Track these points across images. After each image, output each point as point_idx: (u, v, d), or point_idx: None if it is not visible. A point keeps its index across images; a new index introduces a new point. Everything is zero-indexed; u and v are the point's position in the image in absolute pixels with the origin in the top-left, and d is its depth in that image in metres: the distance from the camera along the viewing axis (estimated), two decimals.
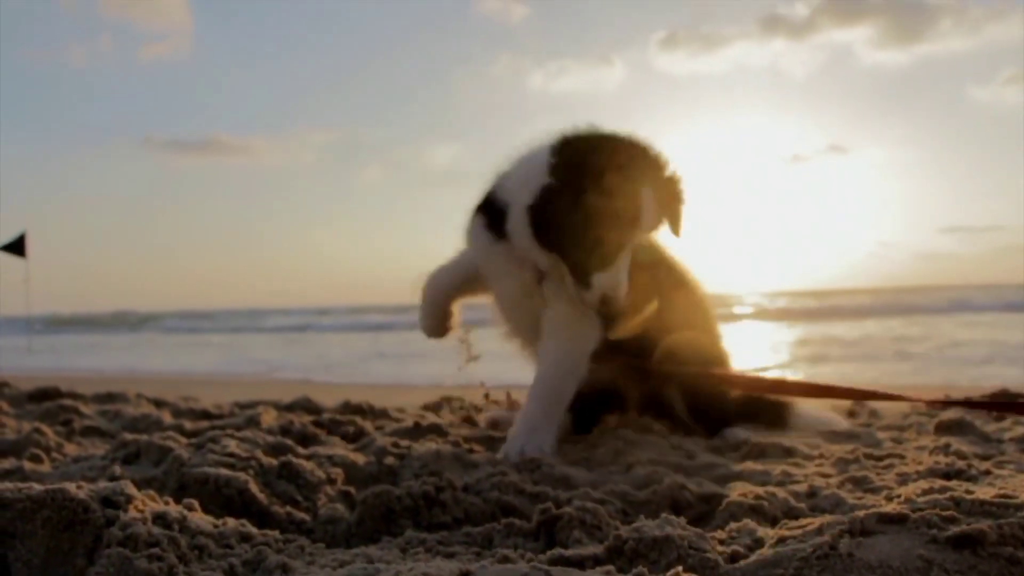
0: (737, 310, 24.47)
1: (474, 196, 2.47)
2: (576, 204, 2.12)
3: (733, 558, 1.27)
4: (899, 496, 1.54)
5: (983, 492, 1.39)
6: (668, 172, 2.25)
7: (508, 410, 3.01)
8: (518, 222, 2.24)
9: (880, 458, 2.20)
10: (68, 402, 3.17)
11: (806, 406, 2.90)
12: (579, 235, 2.14)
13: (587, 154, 2.16)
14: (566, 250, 2.19)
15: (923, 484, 1.58)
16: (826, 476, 1.97)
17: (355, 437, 2.60)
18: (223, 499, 1.70)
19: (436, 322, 2.63)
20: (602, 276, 2.15)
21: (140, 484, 1.64)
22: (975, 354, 8.32)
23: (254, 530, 1.48)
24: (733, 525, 1.45)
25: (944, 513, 1.25)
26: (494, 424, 2.83)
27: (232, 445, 2.04)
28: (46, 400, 3.39)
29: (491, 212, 2.37)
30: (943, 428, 2.57)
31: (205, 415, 3.22)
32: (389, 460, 2.09)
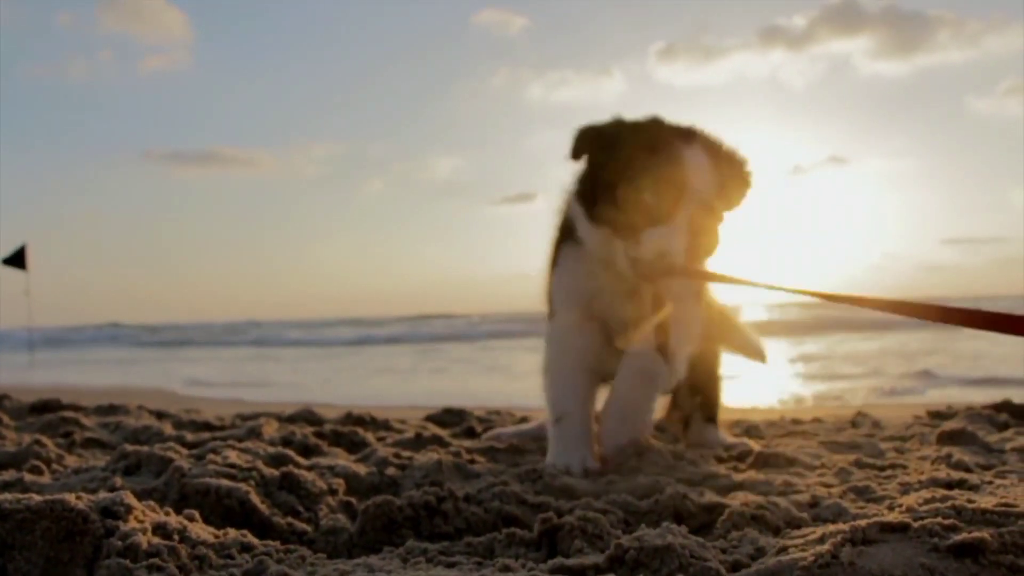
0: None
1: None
2: (616, 166, 2.12)
3: (735, 567, 1.27)
4: (901, 505, 1.54)
5: (985, 501, 1.38)
6: (734, 154, 2.24)
7: (512, 427, 3.01)
8: (575, 213, 2.25)
9: (882, 468, 2.20)
10: (69, 414, 3.17)
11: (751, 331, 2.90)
12: (625, 196, 2.10)
13: (621, 125, 2.19)
14: (615, 214, 2.14)
15: (925, 493, 1.58)
16: (828, 486, 1.97)
17: (357, 448, 2.60)
18: (224, 510, 1.69)
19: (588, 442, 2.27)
20: (654, 232, 2.08)
21: (140, 495, 1.64)
22: (980, 366, 8.31)
23: (255, 540, 1.48)
24: (735, 534, 1.45)
25: (946, 522, 1.25)
26: (496, 439, 2.83)
27: (233, 456, 2.04)
28: (47, 412, 3.38)
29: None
30: (945, 438, 2.56)
31: (206, 427, 3.22)
32: (391, 471, 2.09)
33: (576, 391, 2.31)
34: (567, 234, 2.35)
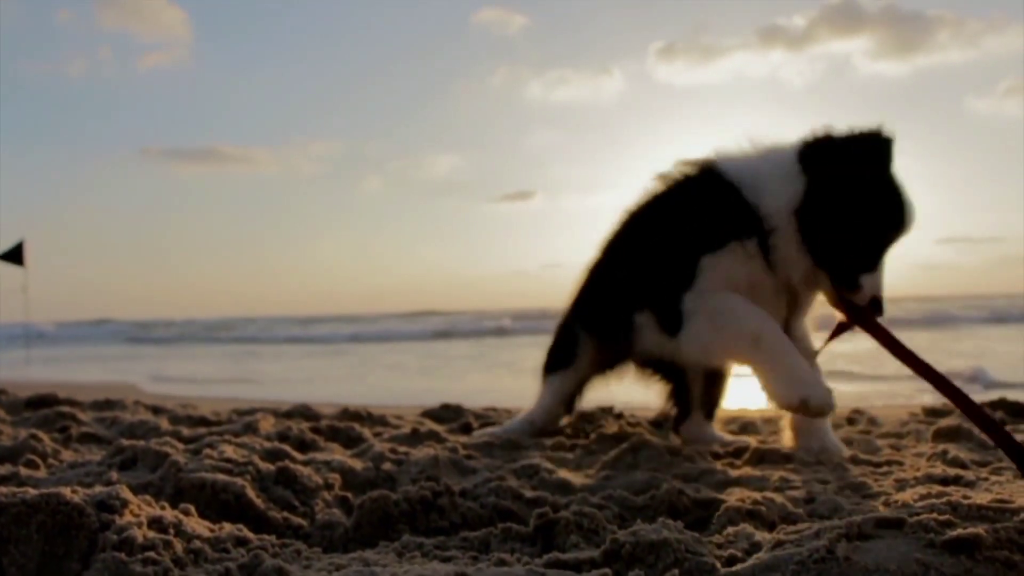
0: None
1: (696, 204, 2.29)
2: (850, 204, 2.08)
3: (730, 562, 1.27)
4: (897, 501, 1.54)
5: (980, 497, 1.39)
6: None
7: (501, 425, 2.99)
8: (782, 227, 2.15)
9: (878, 464, 2.20)
10: (65, 409, 3.16)
11: None
12: (850, 236, 2.09)
13: (860, 152, 2.11)
14: (834, 252, 2.12)
15: (921, 489, 1.58)
16: (824, 482, 1.97)
17: (353, 443, 2.60)
18: (220, 504, 1.69)
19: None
20: (870, 277, 2.10)
21: (136, 489, 1.64)
22: (976, 365, 8.30)
23: (251, 535, 1.48)
24: (731, 530, 1.45)
25: (941, 517, 1.25)
26: (491, 437, 2.82)
27: (229, 451, 2.03)
28: (43, 407, 3.38)
29: (741, 217, 2.20)
30: (941, 435, 2.56)
31: (203, 422, 3.21)
32: (387, 466, 2.09)
33: (763, 313, 2.16)
34: (725, 216, 2.22)
